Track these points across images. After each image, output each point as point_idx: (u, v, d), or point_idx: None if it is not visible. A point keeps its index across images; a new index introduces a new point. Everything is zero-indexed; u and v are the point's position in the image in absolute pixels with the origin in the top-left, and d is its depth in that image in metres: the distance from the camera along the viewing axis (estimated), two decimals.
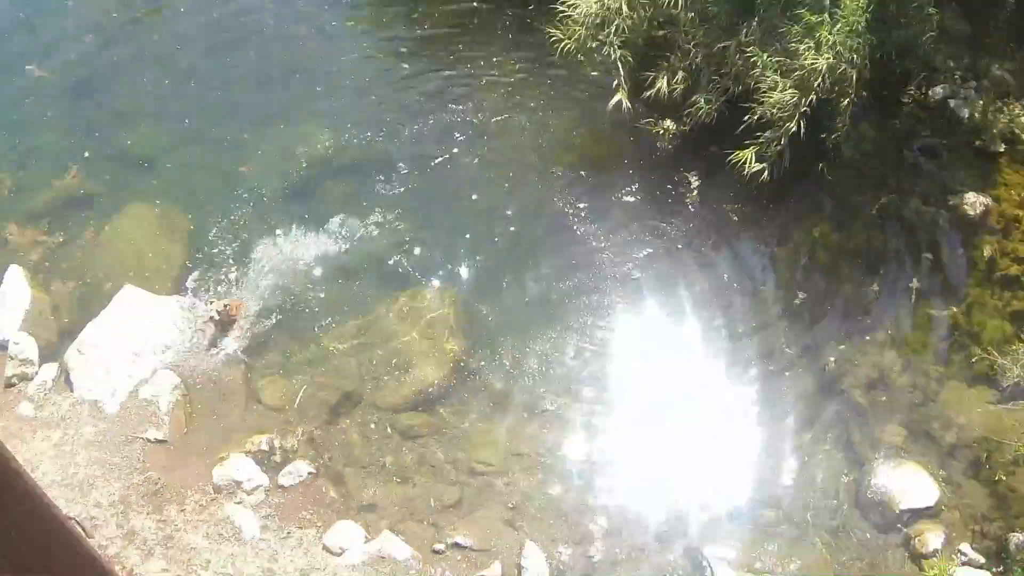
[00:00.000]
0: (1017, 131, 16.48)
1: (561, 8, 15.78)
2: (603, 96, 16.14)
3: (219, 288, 15.41)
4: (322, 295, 15.41)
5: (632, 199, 16.41)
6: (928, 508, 13.24)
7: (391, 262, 15.79)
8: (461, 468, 13.71)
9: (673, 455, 13.92)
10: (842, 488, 13.64)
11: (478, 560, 12.87)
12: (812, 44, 14.29)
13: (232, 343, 14.74)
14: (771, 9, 14.97)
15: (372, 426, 14.07)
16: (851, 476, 13.69)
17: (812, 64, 14.19)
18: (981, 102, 16.79)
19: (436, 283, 15.54)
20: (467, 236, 16.11)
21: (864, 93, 15.42)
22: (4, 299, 15.10)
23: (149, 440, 13.73)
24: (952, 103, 16.77)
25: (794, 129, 14.51)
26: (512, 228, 16.25)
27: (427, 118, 17.74)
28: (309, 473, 13.54)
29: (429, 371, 14.53)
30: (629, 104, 15.66)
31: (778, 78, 14.53)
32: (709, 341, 14.97)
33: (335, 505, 13.35)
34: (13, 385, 14.32)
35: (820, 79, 14.25)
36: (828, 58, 14.19)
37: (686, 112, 15.88)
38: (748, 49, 14.92)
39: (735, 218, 16.04)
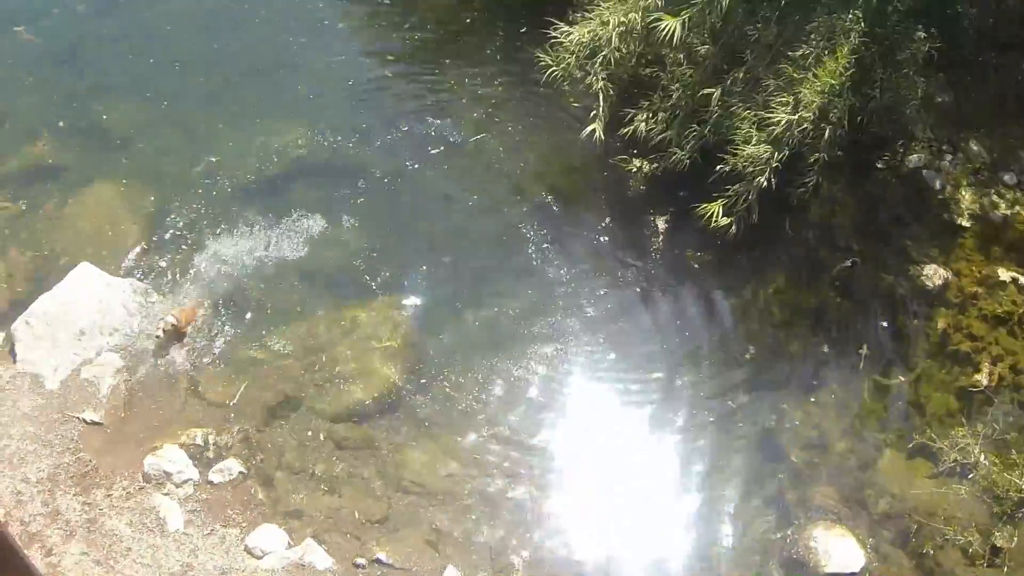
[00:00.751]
0: (985, 208, 16.51)
1: (552, 33, 15.77)
2: (582, 127, 16.04)
3: (175, 277, 15.40)
4: (275, 295, 15.39)
5: (597, 235, 16.42)
6: (853, 574, 13.29)
7: (348, 270, 15.78)
8: (391, 485, 13.68)
9: (605, 499, 13.91)
10: (772, 547, 13.66)
11: None
12: (790, 100, 14.31)
13: (181, 353, 14.64)
14: (759, 60, 15.02)
15: (308, 433, 14.04)
16: (781, 535, 13.71)
17: (789, 120, 14.20)
18: (955, 175, 16.84)
19: (390, 297, 15.51)
20: (427, 253, 16.09)
21: (839, 153, 15.47)
22: None
23: (85, 421, 13.72)
24: (925, 173, 16.78)
25: (764, 184, 14.50)
26: (473, 249, 16.27)
27: (404, 129, 17.75)
28: (240, 472, 13.53)
29: (371, 385, 14.51)
30: (603, 136, 15.62)
31: (753, 131, 14.55)
32: (652, 388, 14.96)
33: (262, 507, 13.33)
34: None
35: (793, 133, 14.28)
36: (805, 114, 14.22)
37: (660, 155, 15.86)
38: (731, 99, 14.97)
39: (696, 266, 16.04)
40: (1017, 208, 16.57)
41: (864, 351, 15.18)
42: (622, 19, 15.18)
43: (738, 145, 14.59)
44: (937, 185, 16.72)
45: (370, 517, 13.38)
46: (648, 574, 13.38)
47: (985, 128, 17.47)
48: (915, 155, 16.97)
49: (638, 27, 15.28)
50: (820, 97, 14.30)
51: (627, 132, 15.89)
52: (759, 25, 15.07)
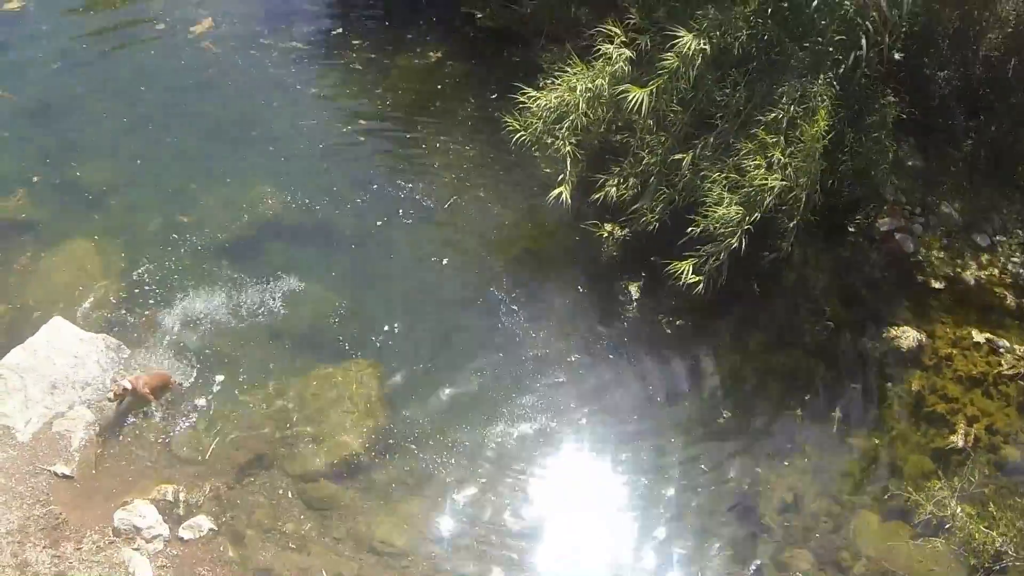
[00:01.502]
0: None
1: (522, 99, 15.90)
2: (551, 193, 16.10)
3: (147, 333, 15.38)
4: (246, 354, 15.34)
5: (569, 300, 16.51)
6: None
7: (319, 331, 15.80)
8: (362, 545, 13.55)
9: (582, 565, 13.82)
10: None
11: None
12: (763, 163, 14.44)
13: (152, 412, 14.55)
14: (729, 125, 15.18)
15: (279, 491, 13.94)
16: None
17: (762, 183, 14.33)
18: (927, 238, 17.01)
19: (362, 357, 15.48)
20: (399, 314, 16.07)
21: (813, 218, 15.61)
22: None
23: (56, 474, 13.59)
24: (898, 236, 16.94)
25: (735, 245, 14.58)
26: (445, 312, 16.33)
27: (376, 192, 17.88)
28: (210, 529, 13.39)
29: (342, 445, 14.44)
30: (571, 200, 15.65)
31: (726, 194, 14.64)
32: (625, 452, 14.93)
33: (232, 565, 13.18)
34: None
35: (769, 198, 14.39)
36: (778, 177, 14.34)
37: (630, 218, 15.99)
38: (702, 163, 15.10)
39: (668, 331, 16.05)
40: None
41: (836, 413, 15.23)
42: (589, 85, 15.34)
43: (709, 207, 14.66)
44: (910, 248, 16.88)
45: None
46: None
47: (957, 191, 17.71)
48: (887, 218, 17.12)
49: (606, 94, 15.43)
50: (797, 161, 14.47)
51: (598, 197, 15.98)
52: (728, 91, 15.26)
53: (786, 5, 15.40)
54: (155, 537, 13.19)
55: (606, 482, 14.65)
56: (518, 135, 15.92)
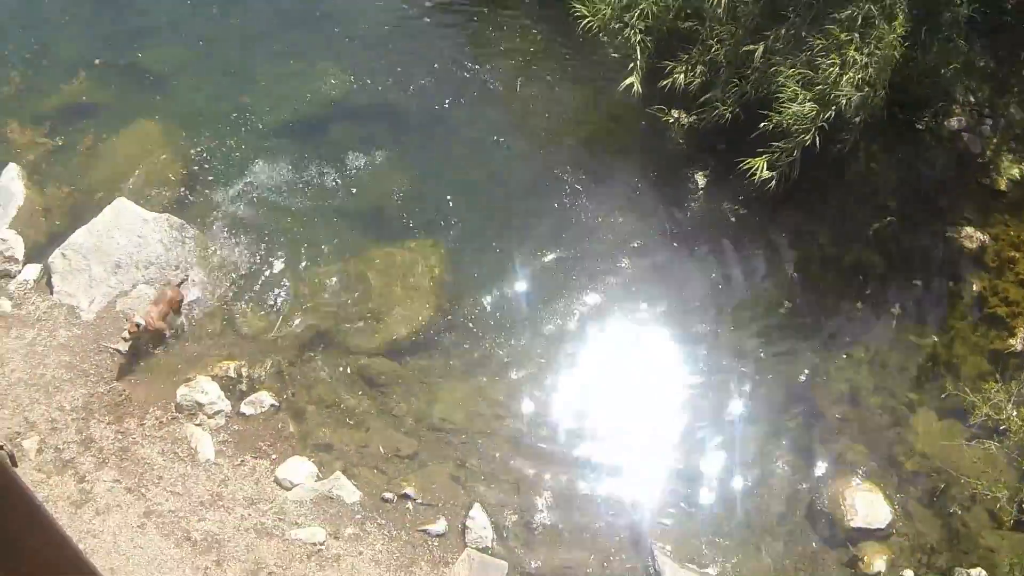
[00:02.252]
0: None
1: None
2: (619, 78, 16.02)
3: (210, 213, 15.46)
4: (310, 233, 15.40)
5: (634, 186, 16.33)
6: (879, 530, 13.35)
7: (383, 210, 15.81)
8: (421, 421, 13.78)
9: (634, 443, 13.93)
10: (797, 497, 13.70)
11: (425, 514, 12.97)
12: (837, 61, 14.20)
13: (217, 288, 14.75)
14: (802, 18, 14.90)
15: (341, 368, 14.13)
16: (807, 486, 13.77)
17: (836, 83, 14.13)
18: (994, 140, 16.72)
19: (425, 236, 15.51)
20: (463, 196, 16.05)
21: (880, 113, 15.32)
22: None
23: (120, 352, 13.74)
24: (965, 136, 16.66)
25: (808, 142, 14.41)
26: (509, 194, 16.23)
27: (440, 74, 17.63)
28: (272, 405, 13.62)
29: (404, 323, 14.57)
30: (640, 89, 15.54)
31: (799, 90, 14.45)
32: (687, 337, 14.96)
33: (292, 440, 13.43)
34: None
35: (845, 101, 14.15)
36: (852, 80, 14.11)
37: (700, 108, 15.78)
38: (773, 57, 14.86)
39: (733, 220, 15.94)
40: None
41: (896, 310, 15.14)
42: None
43: (783, 103, 14.45)
44: (977, 149, 16.60)
45: (399, 452, 13.49)
46: (673, 518, 13.42)
47: None
48: (954, 119, 16.82)
49: None
50: (880, 67, 14.21)
51: (665, 84, 15.78)
52: None
53: None
54: (217, 413, 13.45)
55: (664, 368, 14.74)
56: (586, 21, 15.73)
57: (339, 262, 15.14)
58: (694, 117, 16.06)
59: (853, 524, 13.26)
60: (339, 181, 15.97)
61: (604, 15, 15.47)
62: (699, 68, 15.64)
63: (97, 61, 17.45)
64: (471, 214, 15.86)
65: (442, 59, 17.84)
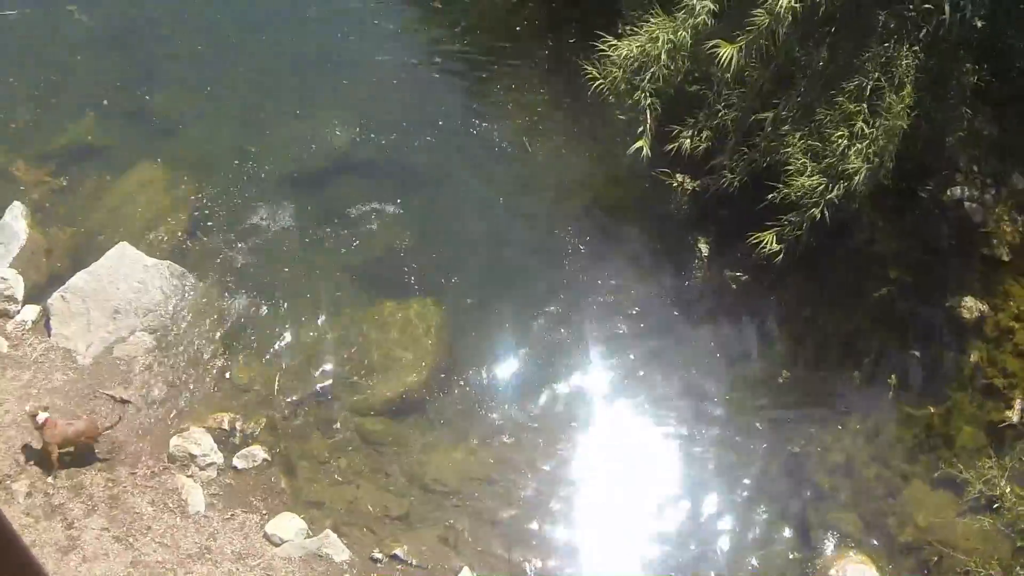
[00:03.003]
0: None
1: (600, 47, 15.69)
2: (625, 140, 15.89)
3: (212, 262, 15.45)
4: (310, 286, 15.39)
5: (636, 250, 16.36)
6: None
7: (385, 266, 15.77)
8: (414, 482, 13.71)
9: (627, 513, 13.89)
10: (790, 567, 13.64)
11: (414, 575, 12.88)
12: (845, 133, 14.26)
13: (212, 340, 14.74)
14: (810, 87, 14.97)
15: (335, 425, 14.10)
16: (801, 555, 13.71)
17: (844, 156, 14.19)
18: (996, 209, 16.72)
19: (426, 294, 15.46)
20: (465, 254, 16.08)
21: (884, 181, 15.30)
22: (1, 232, 15.19)
23: (115, 398, 13.74)
24: (968, 206, 16.68)
25: (818, 216, 14.37)
26: (511, 254, 16.27)
27: (447, 130, 17.73)
28: (264, 459, 13.59)
29: (400, 381, 14.52)
30: (650, 153, 15.56)
31: (807, 161, 14.49)
32: (681, 406, 14.89)
33: (283, 496, 13.38)
34: None
35: (856, 178, 14.16)
36: (861, 151, 14.17)
37: (707, 175, 15.83)
38: (781, 127, 14.92)
39: (734, 287, 15.90)
40: None
41: (892, 380, 15.10)
42: (671, 37, 15.14)
43: (791, 175, 14.48)
44: (979, 218, 16.61)
45: (390, 513, 13.42)
46: None
47: None
48: (957, 187, 16.85)
49: (688, 45, 15.25)
50: (888, 137, 14.27)
51: (672, 148, 15.76)
52: (810, 50, 15.04)
53: None
54: (209, 465, 13.40)
55: (659, 434, 14.70)
56: (596, 83, 15.72)
57: (339, 316, 15.13)
58: (698, 182, 16.08)
59: None
60: (341, 234, 15.97)
61: (615, 77, 15.51)
62: (705, 133, 15.61)
63: (105, 102, 17.48)
64: (473, 273, 15.85)
65: (449, 114, 17.94)
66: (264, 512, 13.12)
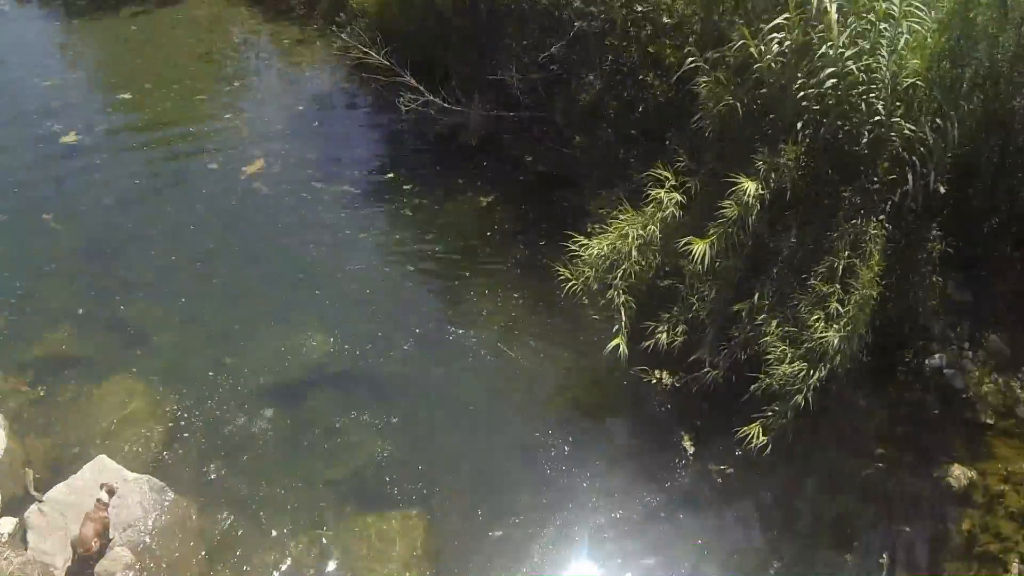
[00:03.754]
0: (1009, 404, 16.39)
1: (571, 247, 15.95)
2: (603, 341, 16.00)
3: (191, 476, 15.32)
4: (292, 500, 15.13)
5: (619, 450, 16.18)
6: None
7: (365, 478, 15.54)
8: None
9: None
10: None
11: None
12: (822, 316, 14.39)
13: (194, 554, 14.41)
14: (783, 273, 15.23)
15: None
16: None
17: (822, 338, 14.26)
18: (977, 372, 16.76)
19: (408, 507, 15.19)
20: (446, 463, 15.85)
21: (862, 358, 15.36)
22: None
23: None
24: (947, 372, 16.69)
25: (803, 403, 14.40)
26: (492, 461, 16.02)
27: (423, 339, 17.85)
28: None
29: None
30: (627, 351, 15.61)
31: (788, 348, 14.55)
32: None
33: None
34: None
35: (835, 356, 14.27)
36: (838, 330, 14.27)
37: (689, 372, 15.89)
38: (759, 317, 15.05)
39: (720, 481, 15.67)
40: None
41: (885, 559, 14.89)
42: (640, 232, 15.38)
43: (771, 364, 14.57)
44: (960, 384, 16.63)
45: None
46: None
47: (1006, 324, 17.45)
48: (936, 356, 16.91)
49: (657, 239, 15.48)
50: (860, 309, 14.40)
51: (649, 345, 15.84)
52: (780, 236, 15.35)
53: (838, 142, 15.49)
54: None
55: None
56: (569, 284, 15.91)
57: (318, 531, 14.79)
58: (676, 376, 16.17)
59: None
60: (321, 446, 15.83)
61: (587, 277, 15.67)
62: (681, 327, 15.73)
63: (80, 311, 17.71)
64: (455, 482, 15.58)
65: (424, 323, 18.11)
66: None
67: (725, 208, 14.91)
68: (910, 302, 15.95)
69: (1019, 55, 15.67)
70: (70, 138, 23.53)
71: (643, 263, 15.72)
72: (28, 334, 17.35)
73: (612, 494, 15.49)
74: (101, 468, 14.79)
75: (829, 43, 15.10)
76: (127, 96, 26.37)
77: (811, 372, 14.36)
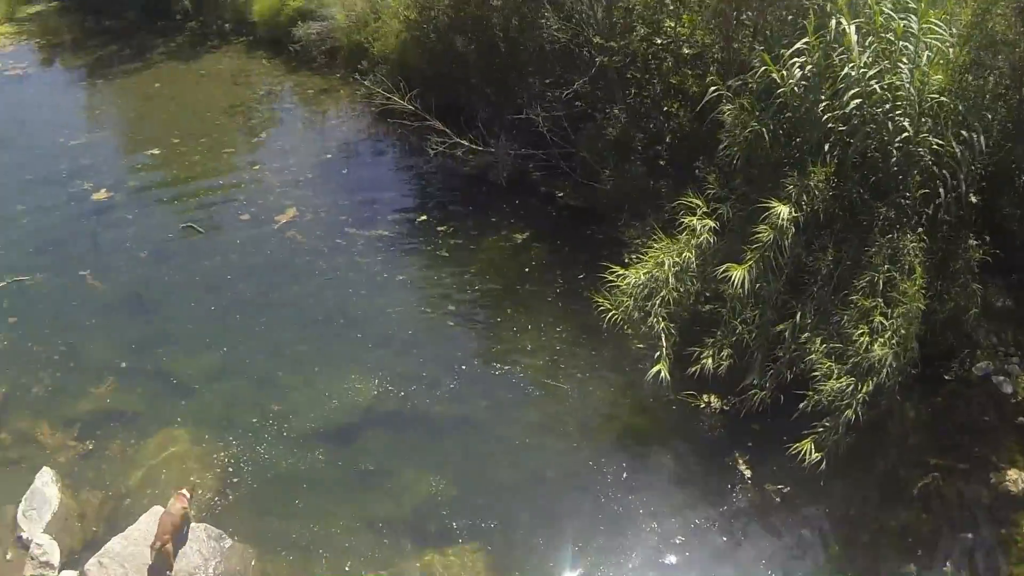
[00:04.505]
0: None
1: (610, 277, 16.05)
2: (647, 369, 15.93)
3: (249, 523, 15.25)
4: (347, 541, 15.00)
5: (673, 476, 16.13)
6: None
7: (420, 516, 15.46)
8: None
9: None
10: None
11: None
12: (866, 330, 14.42)
13: None
14: (823, 291, 15.30)
15: None
16: None
17: (869, 353, 14.31)
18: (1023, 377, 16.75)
19: (466, 541, 15.06)
20: (501, 497, 15.75)
21: (911, 370, 15.48)
22: (33, 498, 15.26)
23: None
24: (995, 379, 16.71)
25: (853, 418, 14.40)
26: (546, 492, 15.90)
27: (468, 376, 17.91)
28: None
29: None
30: (669, 376, 15.58)
31: (833, 364, 14.56)
32: None
33: None
34: None
35: (884, 371, 14.29)
36: (884, 344, 14.31)
37: (739, 395, 15.86)
38: (802, 336, 15.10)
39: (778, 500, 15.55)
40: None
41: (949, 567, 14.76)
42: (676, 259, 15.46)
43: (819, 381, 14.59)
44: (1008, 390, 16.60)
45: None
46: None
47: None
48: (982, 363, 16.90)
49: (693, 266, 15.56)
50: (907, 323, 14.45)
51: (695, 370, 15.78)
52: (817, 255, 15.43)
53: (867, 161, 15.68)
54: None
55: None
56: (609, 314, 15.94)
57: (381, 571, 14.64)
58: (727, 402, 16.22)
59: None
60: (375, 487, 15.82)
61: (626, 306, 15.71)
62: (726, 351, 15.71)
63: (123, 364, 17.89)
64: (511, 515, 15.48)
65: (468, 361, 18.21)
66: None
67: (760, 232, 15.02)
68: (953, 311, 15.96)
69: None
70: (101, 195, 23.82)
71: (681, 289, 15.79)
72: (73, 389, 17.48)
73: (670, 519, 15.37)
74: (157, 518, 14.70)
75: (851, 64, 15.26)
76: (155, 152, 26.71)
77: (859, 386, 14.38)
